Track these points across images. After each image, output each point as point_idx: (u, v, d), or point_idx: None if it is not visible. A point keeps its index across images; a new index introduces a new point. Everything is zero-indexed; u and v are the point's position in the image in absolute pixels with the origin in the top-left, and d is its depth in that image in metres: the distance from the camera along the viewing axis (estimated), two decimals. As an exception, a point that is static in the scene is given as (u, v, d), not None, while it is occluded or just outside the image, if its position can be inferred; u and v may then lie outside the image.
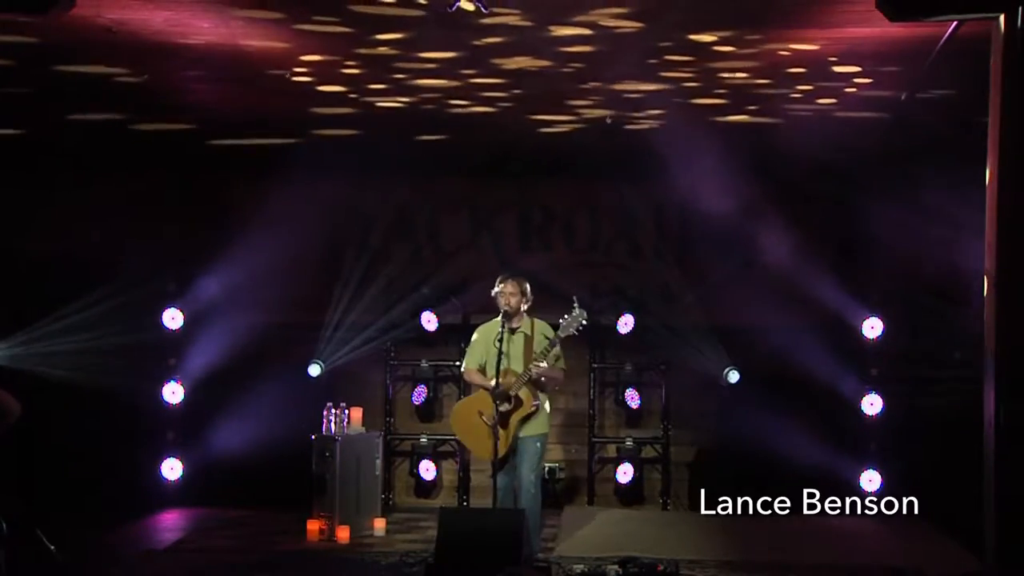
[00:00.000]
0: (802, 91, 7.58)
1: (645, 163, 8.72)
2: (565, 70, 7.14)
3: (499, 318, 7.50)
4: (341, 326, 9.93)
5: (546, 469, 9.18)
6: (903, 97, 7.47)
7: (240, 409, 9.65)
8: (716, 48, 6.71)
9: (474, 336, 7.79)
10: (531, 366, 7.35)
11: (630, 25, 6.30)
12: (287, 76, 7.28)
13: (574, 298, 7.48)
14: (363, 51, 6.82)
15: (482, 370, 7.58)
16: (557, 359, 7.58)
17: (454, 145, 9.26)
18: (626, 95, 7.71)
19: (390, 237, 10.23)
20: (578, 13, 6.14)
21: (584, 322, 7.45)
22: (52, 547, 6.95)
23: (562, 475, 9.99)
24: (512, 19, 6.16)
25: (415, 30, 6.37)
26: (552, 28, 6.36)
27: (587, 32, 6.42)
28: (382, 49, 6.76)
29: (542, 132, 8.75)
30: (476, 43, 6.63)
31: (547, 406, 7.65)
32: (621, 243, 10.24)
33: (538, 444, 7.53)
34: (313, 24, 6.37)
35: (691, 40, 6.59)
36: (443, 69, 7.15)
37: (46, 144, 9.20)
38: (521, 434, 7.47)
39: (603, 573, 7.25)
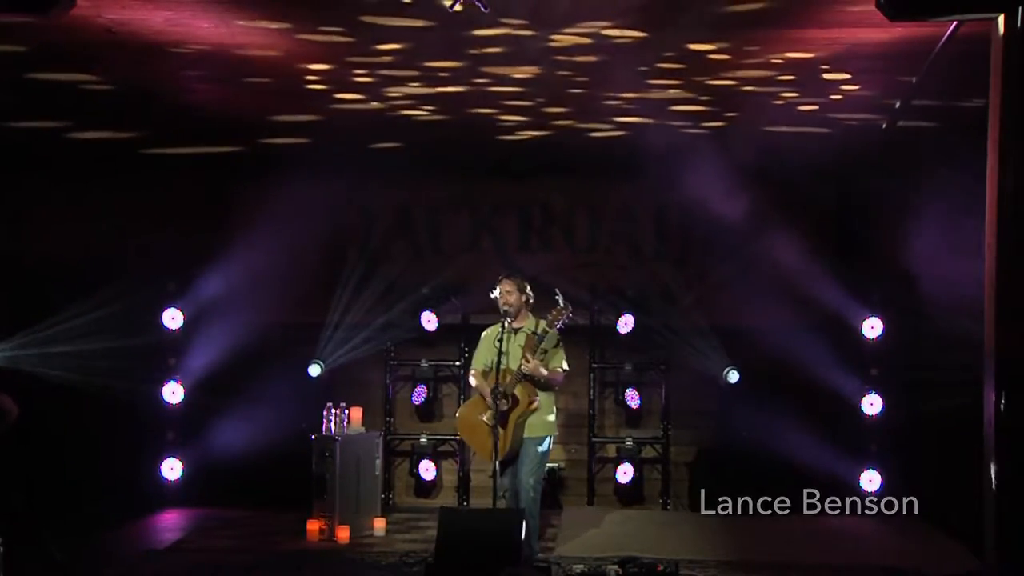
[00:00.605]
0: (798, 95, 7.59)
1: (645, 163, 8.71)
2: (562, 77, 7.16)
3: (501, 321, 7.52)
4: (341, 326, 9.93)
5: (546, 470, 9.18)
6: (897, 105, 7.49)
7: (240, 409, 9.65)
8: (712, 57, 6.71)
9: (480, 340, 7.81)
10: (521, 363, 7.35)
11: (631, 35, 6.30)
12: (299, 81, 7.31)
13: (556, 291, 7.47)
14: (358, 59, 6.85)
15: (487, 372, 7.58)
16: (553, 357, 7.56)
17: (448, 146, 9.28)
18: (612, 102, 7.74)
19: (390, 237, 10.23)
20: (581, 23, 6.15)
21: (570, 314, 7.44)
22: (54, 549, 6.94)
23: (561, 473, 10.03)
24: (515, 30, 6.18)
25: (415, 41, 6.39)
26: (554, 37, 6.38)
27: (587, 42, 6.42)
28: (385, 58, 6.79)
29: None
30: (474, 52, 6.65)
31: (553, 405, 7.62)
32: (621, 243, 10.24)
33: (539, 448, 7.51)
34: (318, 35, 6.39)
35: (690, 49, 6.59)
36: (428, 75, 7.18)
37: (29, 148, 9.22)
38: (525, 435, 7.46)
39: (603, 573, 7.25)
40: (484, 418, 7.42)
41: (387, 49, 6.64)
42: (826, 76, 7.10)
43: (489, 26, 6.10)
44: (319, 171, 9.25)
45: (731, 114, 8.14)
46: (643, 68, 6.94)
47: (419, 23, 6.10)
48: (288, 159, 9.36)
